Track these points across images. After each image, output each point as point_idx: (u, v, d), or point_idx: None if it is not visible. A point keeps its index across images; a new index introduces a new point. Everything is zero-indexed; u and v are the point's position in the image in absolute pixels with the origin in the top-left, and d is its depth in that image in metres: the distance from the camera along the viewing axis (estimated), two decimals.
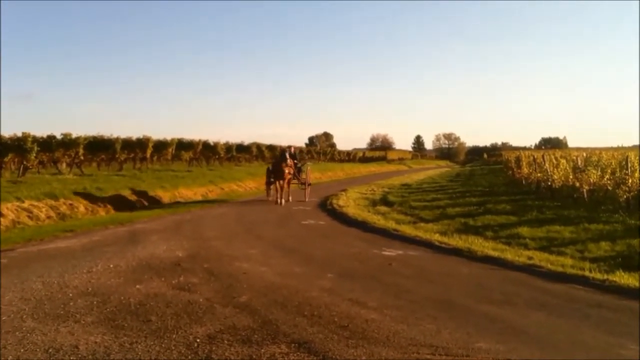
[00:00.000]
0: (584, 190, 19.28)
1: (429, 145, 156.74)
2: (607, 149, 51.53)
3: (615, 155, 27.60)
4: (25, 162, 23.15)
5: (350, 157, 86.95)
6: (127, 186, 23.21)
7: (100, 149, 29.39)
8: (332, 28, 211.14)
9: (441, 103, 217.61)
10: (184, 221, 16.42)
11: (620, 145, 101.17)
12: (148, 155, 33.20)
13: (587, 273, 9.37)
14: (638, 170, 17.27)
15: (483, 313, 7.18)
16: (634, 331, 6.54)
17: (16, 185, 19.18)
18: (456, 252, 11.60)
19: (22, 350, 5.56)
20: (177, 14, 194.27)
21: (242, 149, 47.43)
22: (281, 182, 21.94)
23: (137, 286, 8.26)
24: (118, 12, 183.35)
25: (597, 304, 7.75)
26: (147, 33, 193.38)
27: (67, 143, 26.08)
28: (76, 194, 19.15)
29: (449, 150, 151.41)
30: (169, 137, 36.11)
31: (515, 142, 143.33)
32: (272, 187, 23.11)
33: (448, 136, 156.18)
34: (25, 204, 16.48)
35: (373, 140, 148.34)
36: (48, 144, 25.00)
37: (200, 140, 39.76)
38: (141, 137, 32.62)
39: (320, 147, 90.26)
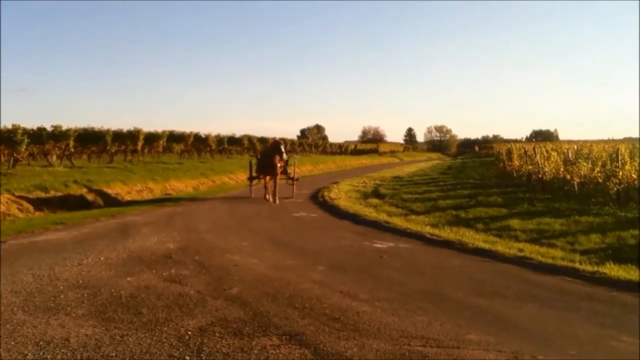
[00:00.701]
0: (575, 182, 19.35)
1: (420, 137, 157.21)
2: (597, 142, 51.68)
3: (606, 147, 27.76)
4: (15, 154, 23.02)
5: (342, 149, 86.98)
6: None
7: (90, 141, 29.30)
8: (324, 21, 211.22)
9: (433, 96, 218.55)
10: (176, 214, 16.37)
11: (610, 138, 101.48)
12: (139, 147, 33.12)
13: (577, 265, 9.41)
14: (628, 163, 17.34)
15: (474, 305, 7.20)
16: (624, 323, 6.58)
17: (6, 177, 19.09)
18: (447, 244, 11.62)
19: (12, 343, 5.53)
20: (170, 7, 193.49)
21: (233, 141, 47.41)
22: (272, 177, 20.24)
23: (128, 279, 8.24)
24: (110, 5, 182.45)
25: (588, 296, 7.78)
26: (140, 26, 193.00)
27: (58, 135, 25.96)
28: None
29: (440, 143, 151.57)
30: (160, 130, 36.10)
31: (506, 135, 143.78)
32: (255, 182, 22.01)
33: (440, 129, 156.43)
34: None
35: (365, 132, 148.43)
36: (38, 136, 24.87)
37: (191, 133, 39.71)
38: (132, 129, 32.58)
39: (312, 140, 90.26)
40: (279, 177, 20.46)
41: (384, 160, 79.49)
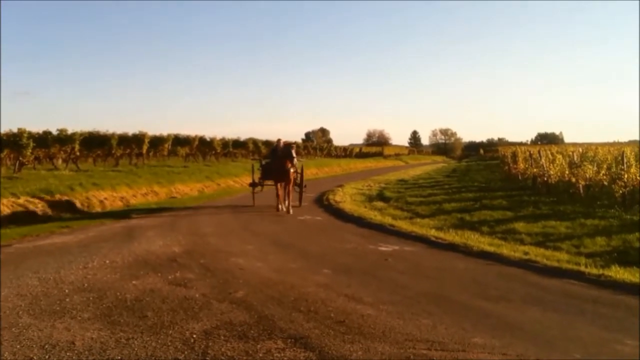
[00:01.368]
0: (580, 185, 19.32)
1: (425, 140, 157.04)
2: (603, 145, 51.57)
3: (611, 150, 27.67)
4: (21, 158, 23.10)
5: (346, 152, 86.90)
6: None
7: (96, 144, 29.34)
8: (329, 23, 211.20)
9: (437, 98, 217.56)
10: (180, 217, 16.40)
11: (616, 141, 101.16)
12: (144, 151, 33.14)
13: (582, 268, 9.38)
14: (634, 165, 17.30)
15: (479, 308, 7.20)
16: (630, 326, 6.56)
17: (12, 181, 19.14)
18: (452, 247, 11.61)
19: (18, 347, 5.55)
20: (174, 11, 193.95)
21: (238, 144, 47.42)
22: (284, 185, 18.28)
23: (134, 282, 8.26)
24: (114, 9, 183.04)
25: (593, 299, 7.76)
26: (144, 29, 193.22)
27: (63, 139, 26.04)
28: None
29: (445, 146, 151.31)
30: (165, 133, 36.13)
31: (511, 138, 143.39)
32: (258, 189, 20.06)
33: (444, 132, 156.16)
34: (21, 200, 16.46)
35: (369, 135, 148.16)
36: (44, 140, 24.94)
37: (196, 136, 39.75)
38: (137, 132, 32.60)
39: (317, 143, 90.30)
40: (292, 184, 18.33)
41: (388, 163, 79.43)
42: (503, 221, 15.09)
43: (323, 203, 20.71)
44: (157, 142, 34.77)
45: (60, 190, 18.41)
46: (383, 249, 11.61)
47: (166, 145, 35.87)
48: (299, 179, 19.78)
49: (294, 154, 17.98)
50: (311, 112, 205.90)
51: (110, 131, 30.18)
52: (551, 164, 22.33)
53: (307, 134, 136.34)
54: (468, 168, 53.69)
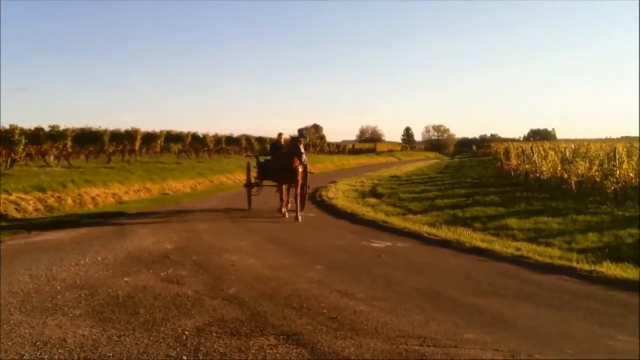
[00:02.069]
0: (573, 181, 19.38)
1: (418, 137, 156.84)
2: (595, 141, 51.85)
3: (604, 147, 27.79)
4: (13, 155, 22.99)
5: (340, 149, 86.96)
6: None
7: (88, 141, 29.25)
8: (322, 20, 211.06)
9: (431, 95, 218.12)
10: (173, 213, 16.37)
11: (608, 137, 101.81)
12: (137, 147, 33.09)
13: (575, 264, 9.42)
14: (626, 162, 17.36)
15: (471, 304, 7.22)
16: (622, 322, 6.59)
17: (4, 177, 19.03)
18: (445, 243, 11.62)
19: (10, 344, 5.53)
20: (168, 8, 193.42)
21: (231, 141, 47.38)
22: (289, 186, 16.13)
23: (126, 279, 8.24)
24: (109, 6, 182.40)
25: (585, 295, 7.79)
26: (137, 26, 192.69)
27: (55, 135, 25.92)
28: None
29: (438, 142, 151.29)
30: (158, 130, 36.05)
31: (504, 134, 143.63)
32: (255, 190, 17.65)
33: (437, 128, 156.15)
34: (13, 197, 16.37)
35: (363, 132, 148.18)
36: (36, 137, 24.83)
37: (189, 133, 39.70)
38: (130, 129, 32.55)
39: (310, 139, 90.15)
40: (300, 187, 15.75)
41: (382, 159, 79.42)
42: (496, 217, 15.12)
43: (316, 200, 20.67)
44: (149, 138, 34.70)
45: (53, 187, 18.33)
46: (376, 245, 11.61)
47: (159, 142, 35.82)
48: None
49: (302, 150, 15.25)
50: (304, 109, 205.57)
51: (103, 128, 30.18)
52: (544, 161, 22.37)
53: (300, 131, 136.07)
54: (461, 164, 53.73)
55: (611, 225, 13.08)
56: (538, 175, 22.03)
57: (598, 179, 18.40)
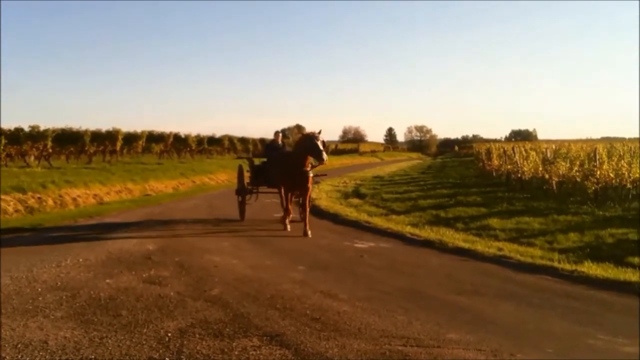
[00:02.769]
0: (553, 181, 19.52)
1: (401, 137, 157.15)
2: (576, 141, 52.23)
3: (584, 147, 27.96)
4: None
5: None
6: None
7: (69, 141, 29.03)
8: (304, 20, 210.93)
9: (413, 95, 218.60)
10: (155, 214, 16.28)
11: (589, 138, 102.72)
12: (118, 147, 32.91)
13: (555, 264, 9.49)
14: (606, 162, 17.54)
15: (454, 304, 7.25)
16: (601, 321, 6.65)
17: None
18: (427, 243, 11.66)
19: None
20: (148, 6, 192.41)
21: (213, 141, 47.31)
22: (303, 193, 13.40)
23: (107, 280, 8.18)
24: (87, 5, 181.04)
25: (566, 294, 7.86)
26: (118, 26, 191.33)
27: (35, 136, 25.74)
28: None
29: (420, 143, 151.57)
30: (139, 130, 35.88)
31: (486, 135, 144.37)
32: (248, 197, 15.39)
33: (420, 128, 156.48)
34: None
35: (345, 132, 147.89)
36: (16, 137, 24.64)
37: (171, 133, 39.58)
38: (111, 129, 32.32)
39: (293, 140, 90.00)
40: (309, 194, 13.50)
41: (364, 160, 79.46)
42: (477, 217, 15.19)
43: (299, 200, 20.62)
44: (131, 138, 34.54)
45: (33, 188, 18.16)
46: (359, 245, 11.63)
47: (140, 142, 35.65)
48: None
49: (321, 148, 12.28)
50: (287, 109, 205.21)
51: (83, 128, 29.94)
52: (525, 161, 22.53)
53: (283, 131, 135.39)
54: (443, 165, 53.92)
55: (592, 225, 13.19)
56: (519, 175, 22.17)
57: (579, 179, 18.54)
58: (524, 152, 24.85)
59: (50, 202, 17.88)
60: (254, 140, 56.04)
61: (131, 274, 8.63)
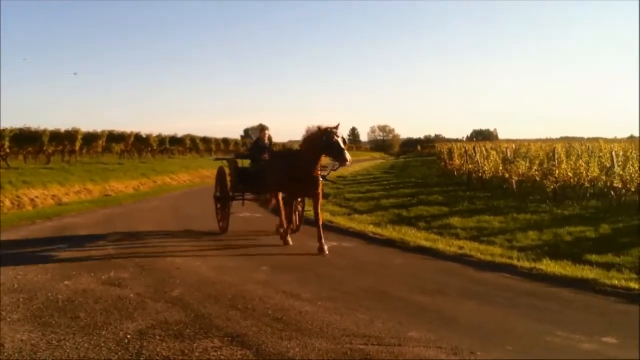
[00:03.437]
0: (513, 181, 19.76)
1: (364, 137, 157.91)
2: (535, 141, 52.98)
3: (544, 147, 28.39)
4: None
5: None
6: None
7: (27, 141, 28.38)
8: (264, 20, 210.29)
9: (376, 95, 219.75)
10: (115, 215, 16.08)
11: (548, 137, 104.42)
12: (77, 147, 32.33)
13: (515, 262, 9.60)
14: (565, 161, 17.85)
15: (416, 303, 7.30)
16: (560, 318, 6.75)
17: None
18: (390, 243, 11.72)
19: None
20: (106, 5, 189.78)
21: (175, 141, 46.83)
22: (315, 199, 11.13)
23: (66, 282, 8.07)
24: (44, 5, 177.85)
25: (526, 292, 7.96)
26: (76, 24, 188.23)
27: None
28: None
29: (384, 143, 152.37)
30: (99, 129, 35.36)
31: (448, 134, 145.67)
32: (231, 206, 13.42)
33: (383, 128, 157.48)
34: None
35: (308, 132, 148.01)
36: None
37: (132, 133, 39.04)
38: (70, 129, 31.74)
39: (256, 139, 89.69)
40: (320, 202, 11.28)
41: (328, 160, 79.31)
42: (439, 216, 15.31)
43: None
44: (90, 138, 34.00)
45: None
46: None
47: (100, 142, 35.12)
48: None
49: (342, 146, 10.48)
50: (250, 109, 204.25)
51: (42, 127, 29.33)
52: (486, 160, 22.79)
53: (246, 131, 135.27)
54: (406, 164, 54.23)
55: (550, 223, 13.39)
56: (480, 174, 22.41)
57: (538, 179, 18.80)
58: (485, 152, 25.14)
59: (8, 203, 17.56)
60: (216, 140, 55.70)
61: (90, 276, 8.51)
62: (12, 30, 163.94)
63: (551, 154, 19.28)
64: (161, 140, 43.35)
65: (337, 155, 10.33)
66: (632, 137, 70.03)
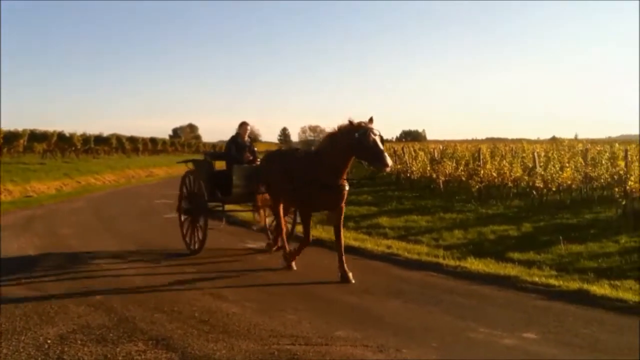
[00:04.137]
0: (440, 181, 20.18)
1: (295, 137, 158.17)
2: (462, 142, 54.26)
3: (470, 147, 29.14)
4: None
5: (216, 149, 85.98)
6: None
7: None
8: (199, 20, 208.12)
9: (307, 95, 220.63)
10: (36, 217, 15.57)
11: (474, 138, 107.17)
12: None
13: (441, 260, 9.78)
14: (489, 162, 18.35)
15: (343, 302, 7.34)
16: (482, 315, 6.90)
17: None
18: (319, 243, 11.71)
19: None
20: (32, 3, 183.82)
21: (100, 140, 45.77)
22: (337, 212, 9.09)
23: None
24: None
25: (450, 289, 8.11)
26: None
27: None
28: None
29: (314, 143, 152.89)
30: (20, 128, 34.16)
31: None
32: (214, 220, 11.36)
33: (313, 129, 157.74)
34: None
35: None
36: None
37: (55, 131, 37.91)
38: None
39: (185, 139, 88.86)
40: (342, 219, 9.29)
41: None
42: (368, 216, 15.46)
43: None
44: (11, 137, 32.80)
45: None
46: (251, 246, 11.57)
47: (21, 141, 33.93)
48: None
49: (381, 146, 8.12)
50: (178, 108, 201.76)
51: None
52: (414, 161, 23.19)
53: (175, 130, 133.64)
54: None
55: (475, 222, 13.72)
56: (409, 174, 22.76)
57: (464, 178, 19.26)
58: (413, 152, 25.60)
59: None
60: (143, 140, 54.74)
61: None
62: None
63: (476, 155, 19.77)
64: (85, 139, 42.27)
65: (374, 158, 8.08)
66: (554, 138, 72.89)
